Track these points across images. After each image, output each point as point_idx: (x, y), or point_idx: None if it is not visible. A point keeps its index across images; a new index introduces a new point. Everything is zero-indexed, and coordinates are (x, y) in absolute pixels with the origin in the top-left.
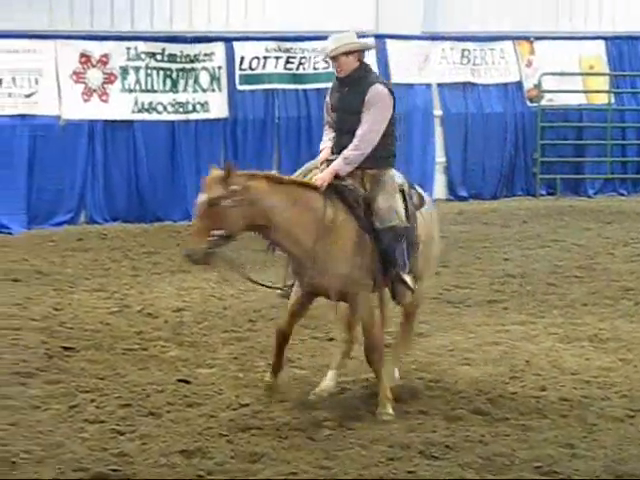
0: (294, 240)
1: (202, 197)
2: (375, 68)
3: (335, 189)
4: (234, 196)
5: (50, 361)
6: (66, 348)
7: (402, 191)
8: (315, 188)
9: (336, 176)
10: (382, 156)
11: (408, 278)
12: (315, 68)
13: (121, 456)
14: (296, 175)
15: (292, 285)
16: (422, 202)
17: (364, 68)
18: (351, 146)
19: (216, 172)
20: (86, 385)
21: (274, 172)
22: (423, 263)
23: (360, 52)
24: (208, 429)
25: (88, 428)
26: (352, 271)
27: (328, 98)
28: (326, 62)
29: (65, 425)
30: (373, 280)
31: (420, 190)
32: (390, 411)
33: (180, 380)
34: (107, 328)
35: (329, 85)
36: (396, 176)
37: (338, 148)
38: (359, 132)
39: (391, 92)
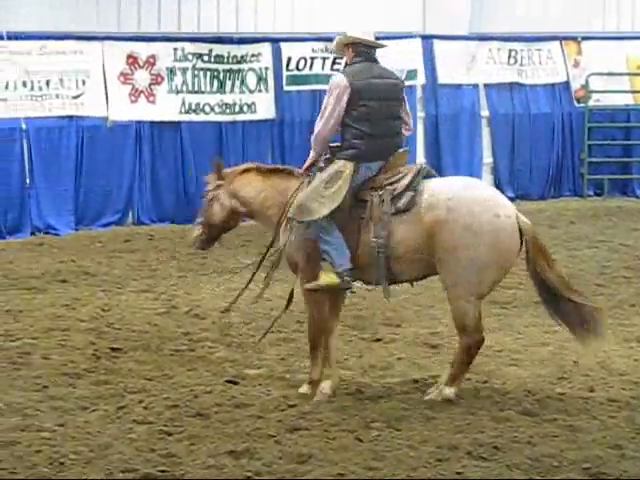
0: (268, 220)
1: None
2: (421, 68)
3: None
4: (217, 190)
5: (98, 362)
6: (114, 349)
7: (385, 190)
8: (292, 174)
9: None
10: (340, 147)
11: (329, 269)
12: None
13: (169, 457)
14: None
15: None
16: (410, 205)
17: (357, 61)
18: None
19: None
20: (134, 386)
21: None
22: (448, 273)
23: (355, 45)
24: (256, 430)
25: (136, 429)
26: (290, 252)
27: None
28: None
29: (113, 426)
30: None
31: (443, 198)
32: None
33: (228, 381)
34: (155, 329)
35: None
36: (342, 165)
37: None
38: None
39: (350, 83)
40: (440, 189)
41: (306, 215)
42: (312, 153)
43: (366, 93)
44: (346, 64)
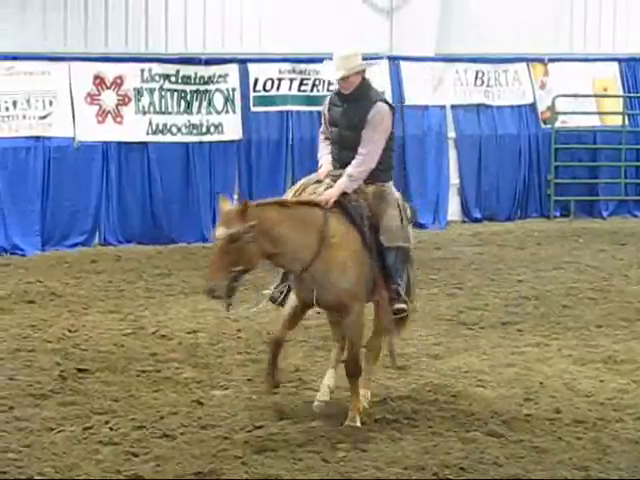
0: (296, 258)
1: (221, 232)
2: (389, 89)
3: (340, 205)
4: (251, 231)
5: (64, 383)
6: (80, 370)
7: (398, 205)
8: (317, 205)
9: (342, 193)
10: (383, 169)
11: (403, 295)
12: (329, 90)
13: (135, 478)
14: (294, 189)
15: (283, 292)
16: (415, 216)
17: (366, 84)
18: (355, 163)
19: (230, 205)
20: (100, 407)
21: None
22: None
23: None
24: (222, 451)
25: (102, 450)
26: (347, 285)
27: (326, 111)
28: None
29: (79, 447)
30: (368, 295)
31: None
32: (358, 424)
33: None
34: (121, 350)
35: None
36: (393, 189)
37: (339, 162)
38: (363, 150)
39: (392, 108)
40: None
41: (409, 241)
42: (353, 184)
43: (393, 117)
44: (357, 88)
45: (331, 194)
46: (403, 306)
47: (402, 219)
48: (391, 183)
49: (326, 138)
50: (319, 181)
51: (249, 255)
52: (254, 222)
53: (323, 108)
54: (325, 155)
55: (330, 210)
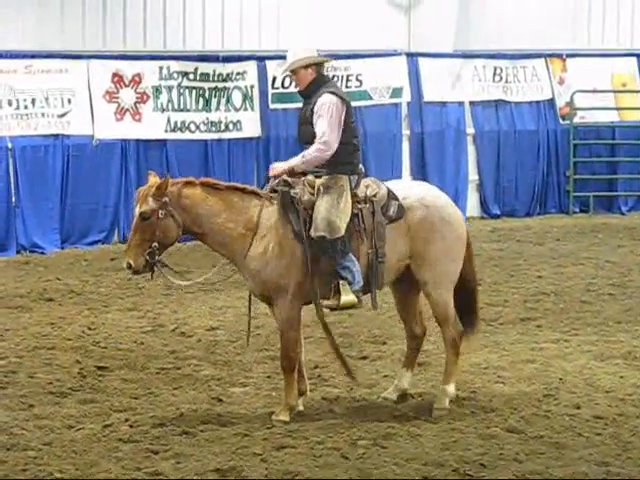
0: (224, 244)
1: (135, 210)
2: (407, 86)
3: (278, 196)
4: (165, 207)
5: (84, 380)
6: (100, 367)
7: (371, 201)
8: (254, 193)
9: (291, 172)
10: (334, 162)
11: (347, 289)
12: (348, 86)
13: (155, 475)
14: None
15: None
16: (401, 213)
17: (321, 80)
18: (311, 148)
19: (152, 182)
20: (120, 404)
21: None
22: (426, 267)
23: (317, 65)
24: (242, 448)
25: (122, 447)
26: (273, 275)
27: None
28: (359, 80)
29: (99, 445)
30: (301, 286)
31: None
32: (286, 418)
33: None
34: (141, 347)
35: (361, 103)
36: (348, 182)
37: None
38: (318, 138)
39: (342, 99)
40: (405, 192)
41: (336, 232)
42: (302, 165)
43: (350, 109)
44: (311, 83)
45: (278, 166)
46: (329, 303)
47: (333, 210)
48: (344, 178)
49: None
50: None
51: (164, 231)
52: (166, 199)
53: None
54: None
55: (268, 201)
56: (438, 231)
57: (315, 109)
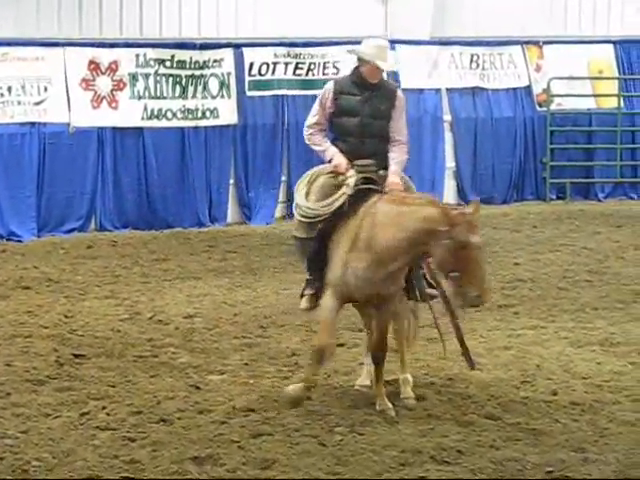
0: None
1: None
2: (384, 73)
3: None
4: None
5: (61, 368)
6: (77, 355)
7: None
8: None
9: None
10: (385, 158)
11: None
12: (324, 74)
13: (132, 463)
14: (306, 179)
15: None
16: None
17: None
18: (400, 150)
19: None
20: (97, 392)
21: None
22: None
23: None
24: (219, 435)
25: (99, 435)
26: None
27: (331, 101)
28: (336, 67)
29: (76, 433)
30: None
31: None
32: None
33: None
34: (118, 335)
35: None
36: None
37: (358, 153)
38: (402, 137)
39: None
40: None
41: (298, 231)
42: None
43: None
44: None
45: (397, 182)
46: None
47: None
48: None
49: (321, 129)
50: (333, 173)
51: None
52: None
53: (326, 97)
54: (330, 146)
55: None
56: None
57: (397, 105)
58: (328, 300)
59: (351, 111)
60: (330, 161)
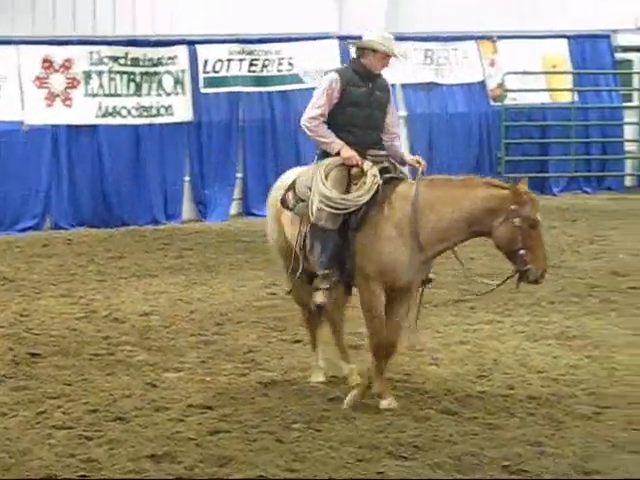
0: None
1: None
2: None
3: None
4: None
5: (17, 367)
6: (33, 354)
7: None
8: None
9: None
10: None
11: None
12: (279, 70)
13: (89, 462)
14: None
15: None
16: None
17: None
18: (399, 143)
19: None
20: (53, 391)
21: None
22: None
23: None
24: (176, 433)
25: (56, 434)
26: None
27: (338, 92)
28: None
29: (32, 432)
30: None
31: None
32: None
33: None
34: (74, 334)
35: (294, 87)
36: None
37: (362, 144)
38: (398, 131)
39: None
40: None
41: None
42: None
43: None
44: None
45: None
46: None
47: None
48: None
49: (325, 121)
50: (344, 165)
51: None
52: None
53: (333, 87)
54: (336, 139)
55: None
56: None
57: (390, 95)
58: (375, 294)
59: (358, 102)
60: (338, 153)
